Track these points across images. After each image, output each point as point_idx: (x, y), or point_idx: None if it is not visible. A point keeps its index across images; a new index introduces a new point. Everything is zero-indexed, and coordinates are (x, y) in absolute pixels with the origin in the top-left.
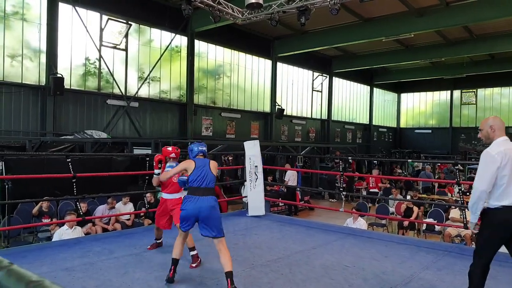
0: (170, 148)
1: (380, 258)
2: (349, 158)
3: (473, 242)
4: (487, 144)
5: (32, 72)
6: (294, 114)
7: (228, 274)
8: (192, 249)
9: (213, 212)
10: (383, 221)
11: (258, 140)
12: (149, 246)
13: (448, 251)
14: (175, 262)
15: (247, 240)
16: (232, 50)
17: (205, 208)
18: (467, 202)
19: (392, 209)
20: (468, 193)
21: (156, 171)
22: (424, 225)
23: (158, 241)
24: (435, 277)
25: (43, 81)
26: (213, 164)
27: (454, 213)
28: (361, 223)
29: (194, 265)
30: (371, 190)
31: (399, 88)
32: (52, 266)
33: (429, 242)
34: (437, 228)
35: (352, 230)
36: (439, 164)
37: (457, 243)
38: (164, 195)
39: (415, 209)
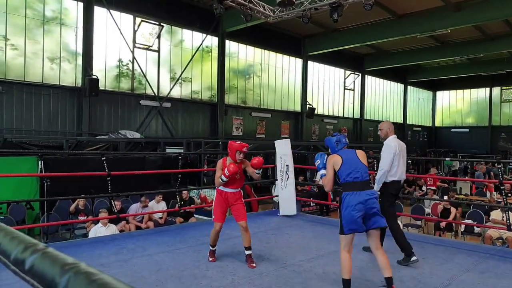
0: (239, 142)
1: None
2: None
3: None
4: (384, 139)
5: (69, 74)
6: (326, 113)
7: (389, 281)
8: (248, 248)
9: (376, 206)
10: (419, 222)
11: (289, 139)
12: (210, 258)
13: (491, 254)
14: (348, 284)
15: (278, 239)
16: (263, 50)
17: (369, 203)
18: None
19: (428, 210)
20: (510, 194)
21: (225, 179)
22: (463, 226)
23: (213, 248)
24: (477, 280)
25: (79, 83)
26: (360, 154)
27: (496, 214)
28: None
29: (254, 264)
30: (429, 187)
31: (434, 86)
32: (88, 262)
33: (469, 244)
34: (477, 230)
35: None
36: (478, 163)
37: (498, 246)
38: (224, 188)
39: (453, 210)
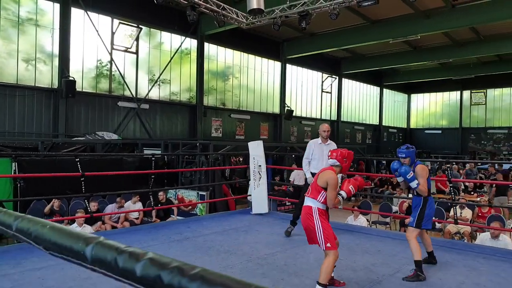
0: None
1: (373, 252)
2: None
3: (472, 239)
4: (326, 139)
5: (45, 76)
6: (304, 115)
7: (431, 253)
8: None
9: None
10: (387, 219)
11: (261, 141)
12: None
13: (440, 246)
14: (421, 263)
15: (248, 236)
16: (242, 53)
17: None
18: (466, 200)
19: (395, 208)
20: (473, 192)
21: (346, 197)
22: None
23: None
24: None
25: (55, 84)
26: None
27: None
28: (361, 221)
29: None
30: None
31: (409, 89)
32: (60, 259)
33: None
34: (438, 225)
35: (351, 227)
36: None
37: (456, 240)
38: (325, 206)
39: None
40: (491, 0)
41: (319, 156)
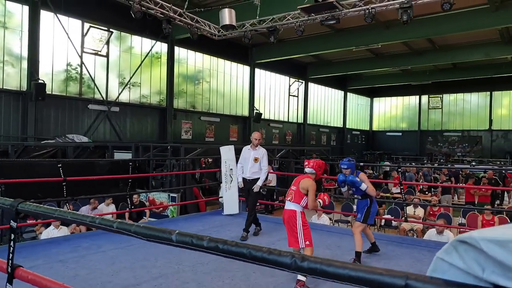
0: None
1: (333, 247)
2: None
3: (423, 235)
4: (256, 146)
5: (13, 78)
6: (272, 118)
7: (374, 244)
8: None
9: None
10: (348, 218)
11: (233, 146)
12: None
13: (392, 241)
14: (360, 255)
15: (220, 235)
16: (211, 57)
17: None
18: (421, 200)
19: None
20: (427, 192)
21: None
22: (383, 221)
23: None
24: (372, 260)
25: (24, 87)
26: None
27: (409, 209)
28: (324, 219)
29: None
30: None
31: (372, 93)
32: (47, 259)
33: (379, 235)
34: (394, 223)
35: (314, 225)
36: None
37: (409, 236)
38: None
39: None
40: (445, 14)
41: (245, 161)
